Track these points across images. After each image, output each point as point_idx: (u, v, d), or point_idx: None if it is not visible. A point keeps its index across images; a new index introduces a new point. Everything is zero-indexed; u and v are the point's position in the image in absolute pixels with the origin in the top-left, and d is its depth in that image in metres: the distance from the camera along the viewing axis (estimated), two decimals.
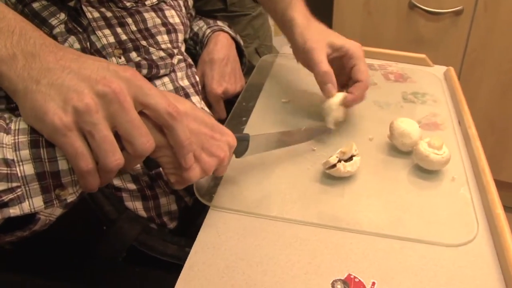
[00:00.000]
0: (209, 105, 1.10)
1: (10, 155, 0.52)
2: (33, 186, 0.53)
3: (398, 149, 0.89)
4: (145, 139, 0.54)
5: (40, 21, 0.76)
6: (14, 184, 0.52)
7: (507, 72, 1.89)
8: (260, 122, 0.98)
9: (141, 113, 0.55)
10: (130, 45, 0.86)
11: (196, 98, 0.98)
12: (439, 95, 1.12)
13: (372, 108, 1.04)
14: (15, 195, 0.52)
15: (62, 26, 0.79)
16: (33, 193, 0.53)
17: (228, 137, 0.68)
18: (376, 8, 1.91)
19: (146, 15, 0.91)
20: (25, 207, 0.53)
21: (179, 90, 0.94)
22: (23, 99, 0.52)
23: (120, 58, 0.84)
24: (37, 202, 0.54)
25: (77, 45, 0.79)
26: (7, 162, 0.52)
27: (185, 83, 0.97)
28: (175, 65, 0.95)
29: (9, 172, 0.52)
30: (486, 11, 1.79)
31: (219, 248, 0.69)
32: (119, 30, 0.86)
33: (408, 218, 0.76)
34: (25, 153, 0.52)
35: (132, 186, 0.83)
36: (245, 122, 0.98)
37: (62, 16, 0.79)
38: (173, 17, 0.97)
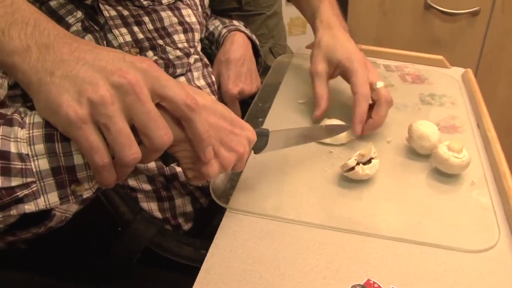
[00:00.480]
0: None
1: (24, 149, 0.50)
2: (48, 182, 0.51)
3: (416, 152, 0.88)
4: (162, 132, 0.52)
5: (57, 19, 0.76)
6: (29, 180, 0.51)
7: None
8: (277, 123, 0.97)
9: (158, 105, 0.53)
10: (146, 44, 0.86)
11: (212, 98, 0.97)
12: (457, 97, 1.10)
13: (389, 110, 1.03)
14: (30, 190, 0.51)
15: (79, 24, 0.79)
16: (48, 188, 0.52)
17: (248, 132, 0.66)
18: (391, 8, 1.90)
19: (163, 14, 0.90)
20: (40, 203, 0.52)
21: None
22: (37, 92, 0.50)
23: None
24: (52, 198, 0.52)
25: None
26: (21, 157, 0.50)
27: (201, 82, 0.96)
28: (191, 64, 0.94)
29: (23, 167, 0.50)
30: (503, 12, 1.77)
31: (236, 251, 0.68)
32: (135, 28, 0.85)
33: (428, 223, 0.75)
34: (40, 147, 0.51)
35: (147, 186, 0.83)
36: (261, 123, 0.97)
37: (79, 14, 0.79)
38: (189, 16, 0.96)
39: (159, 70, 0.53)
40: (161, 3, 0.91)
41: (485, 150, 0.92)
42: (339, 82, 0.98)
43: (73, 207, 0.57)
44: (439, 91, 1.12)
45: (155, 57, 0.86)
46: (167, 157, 0.60)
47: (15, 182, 0.50)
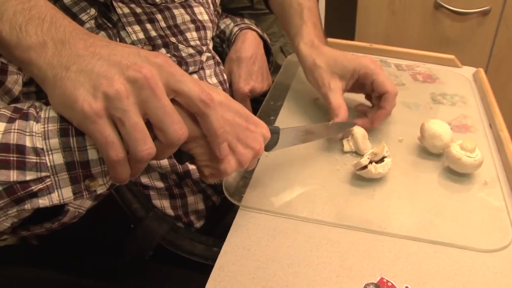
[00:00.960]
0: None
1: (39, 144, 0.50)
2: (62, 176, 0.51)
3: (428, 151, 0.88)
4: (177, 127, 0.51)
5: (70, 16, 0.75)
6: (43, 174, 0.50)
7: None
8: (289, 122, 0.97)
9: (173, 101, 0.53)
10: (159, 41, 0.86)
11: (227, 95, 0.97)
12: (469, 96, 1.10)
13: (400, 109, 1.03)
14: (44, 185, 0.50)
15: (92, 21, 0.79)
16: (62, 183, 0.51)
17: (262, 128, 0.66)
18: (401, 7, 1.89)
19: (176, 11, 0.90)
20: (54, 198, 0.51)
21: None
22: (52, 87, 0.50)
23: None
24: (66, 193, 0.52)
25: None
26: (36, 151, 0.50)
27: (213, 80, 0.96)
28: (203, 62, 0.94)
29: (38, 161, 0.50)
30: None
31: (249, 248, 0.68)
32: (148, 26, 0.85)
33: (441, 222, 0.75)
34: (55, 142, 0.50)
35: (160, 184, 0.83)
36: (273, 121, 0.97)
37: (93, 11, 0.79)
38: (201, 14, 0.97)
39: (174, 65, 0.53)
40: (173, 1, 0.91)
41: (497, 150, 0.92)
42: None
43: (87, 203, 0.57)
44: (451, 90, 1.11)
45: (168, 55, 0.86)
46: (181, 155, 0.60)
47: (29, 176, 0.50)
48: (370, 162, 0.79)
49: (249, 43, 1.11)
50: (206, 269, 0.65)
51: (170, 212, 0.85)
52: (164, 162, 0.82)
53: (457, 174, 0.83)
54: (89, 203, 0.58)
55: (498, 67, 1.88)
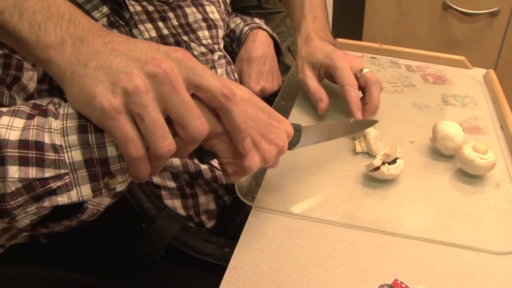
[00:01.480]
0: None
1: (58, 140, 0.49)
2: (81, 174, 0.50)
3: (440, 152, 0.87)
4: (198, 122, 0.50)
5: None
6: (62, 171, 0.49)
7: None
8: (300, 122, 0.94)
9: (193, 96, 0.51)
10: (171, 39, 0.86)
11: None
12: (480, 98, 1.09)
13: (411, 110, 1.02)
14: (63, 182, 0.50)
15: (105, 19, 0.79)
16: (81, 180, 0.51)
17: (285, 125, 0.64)
18: (409, 8, 1.89)
19: (187, 10, 0.90)
20: (73, 196, 0.51)
21: None
22: (70, 84, 0.50)
23: None
24: (85, 190, 0.51)
25: None
26: (55, 148, 0.49)
27: None
28: (215, 61, 0.94)
29: (57, 158, 0.49)
30: None
31: (263, 249, 0.68)
32: (160, 24, 0.85)
33: (454, 224, 0.74)
34: (73, 138, 0.50)
35: (171, 184, 0.83)
36: None
37: (105, 9, 0.79)
38: (213, 12, 0.96)
39: (194, 60, 0.52)
40: (185, 0, 0.91)
41: (509, 151, 0.92)
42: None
43: (106, 201, 0.56)
44: (461, 91, 1.11)
45: None
46: (203, 153, 0.58)
47: (48, 173, 0.49)
48: (383, 163, 0.78)
49: (259, 42, 1.11)
50: (217, 269, 0.65)
51: (181, 212, 0.84)
52: (176, 161, 0.81)
53: (469, 175, 0.83)
54: (108, 201, 0.57)
55: (506, 69, 1.88)
